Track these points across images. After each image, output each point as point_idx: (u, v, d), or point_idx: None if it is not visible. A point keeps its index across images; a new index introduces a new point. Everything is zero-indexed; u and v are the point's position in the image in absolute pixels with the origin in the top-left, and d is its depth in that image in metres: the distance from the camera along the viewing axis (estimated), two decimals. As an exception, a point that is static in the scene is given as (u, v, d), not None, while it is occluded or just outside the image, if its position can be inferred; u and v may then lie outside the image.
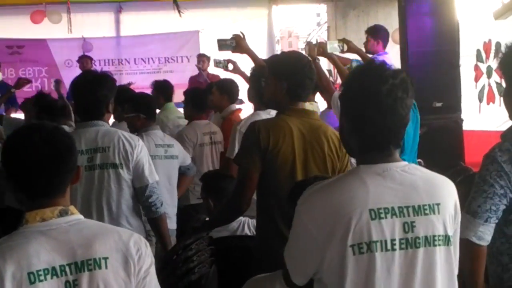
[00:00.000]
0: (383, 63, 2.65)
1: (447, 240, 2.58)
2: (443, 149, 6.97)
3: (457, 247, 2.69)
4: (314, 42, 7.84)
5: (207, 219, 4.83)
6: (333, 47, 7.55)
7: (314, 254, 2.53)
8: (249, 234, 5.16)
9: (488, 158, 3.35)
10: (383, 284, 2.48)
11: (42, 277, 2.37)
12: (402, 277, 2.50)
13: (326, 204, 2.53)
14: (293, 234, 2.65)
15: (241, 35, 5.85)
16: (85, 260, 2.43)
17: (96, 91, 4.58)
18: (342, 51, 7.76)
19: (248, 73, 7.30)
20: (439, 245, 2.55)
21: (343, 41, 7.77)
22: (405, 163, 2.62)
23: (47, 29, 14.46)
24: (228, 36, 6.03)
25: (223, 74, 10.65)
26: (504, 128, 3.53)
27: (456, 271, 2.64)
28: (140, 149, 4.66)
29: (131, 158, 4.59)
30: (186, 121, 7.79)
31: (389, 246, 2.49)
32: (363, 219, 2.47)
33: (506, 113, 3.53)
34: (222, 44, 6.01)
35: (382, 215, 2.49)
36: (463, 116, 7.72)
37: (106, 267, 2.45)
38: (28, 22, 14.30)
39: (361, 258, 2.47)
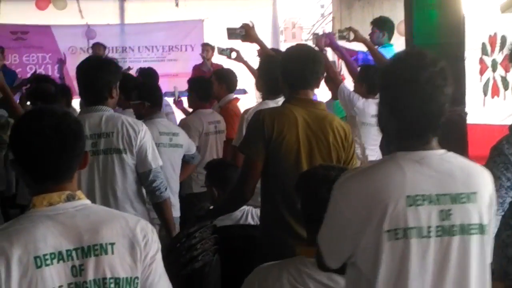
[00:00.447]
0: (423, 50, 2.66)
1: (481, 229, 2.59)
2: (447, 142, 6.93)
3: (491, 236, 2.70)
4: (320, 33, 7.87)
5: (211, 207, 4.83)
6: (342, 35, 7.57)
7: (349, 238, 2.56)
8: (252, 223, 5.16)
9: (496, 150, 3.36)
10: (417, 270, 2.50)
11: (48, 261, 2.37)
12: (436, 264, 2.52)
13: (363, 189, 2.55)
14: (328, 218, 2.67)
15: (251, 24, 5.85)
16: (91, 245, 2.43)
17: (99, 75, 4.61)
18: (348, 40, 7.76)
19: (251, 62, 7.33)
20: (474, 233, 2.57)
21: (350, 29, 7.77)
22: (443, 151, 2.64)
23: (52, 16, 14.45)
24: (235, 25, 6.03)
25: (226, 64, 10.66)
26: (509, 121, 3.53)
27: (489, 260, 2.66)
28: (143, 134, 4.68)
29: (134, 143, 4.62)
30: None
31: (424, 233, 2.51)
32: (399, 205, 2.49)
33: (510, 107, 3.53)
34: (232, 33, 6.03)
35: (419, 202, 2.51)
36: (467, 109, 7.68)
37: (112, 253, 2.46)
38: (33, 9, 14.29)
39: (396, 243, 2.50)
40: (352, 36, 7.72)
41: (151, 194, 4.79)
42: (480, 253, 2.59)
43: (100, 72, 4.63)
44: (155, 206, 4.90)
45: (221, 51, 7.69)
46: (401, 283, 2.51)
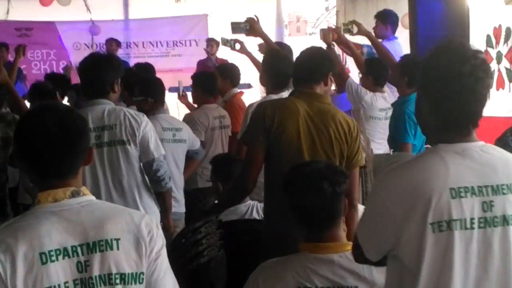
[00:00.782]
0: (464, 42, 2.66)
1: None
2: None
3: None
4: (326, 27, 7.86)
5: (216, 202, 4.84)
6: (346, 29, 7.57)
7: (391, 231, 2.56)
8: (257, 218, 5.17)
9: (500, 142, 3.37)
10: (461, 262, 2.51)
11: (53, 258, 2.37)
12: (480, 255, 2.53)
13: (405, 182, 2.56)
14: (369, 210, 2.69)
15: (255, 18, 5.85)
16: (96, 241, 2.44)
17: (100, 70, 4.72)
18: (352, 34, 7.75)
19: (255, 54, 7.32)
20: None
21: (353, 23, 7.77)
22: (483, 143, 2.65)
23: (56, 12, 14.46)
24: (239, 19, 6.03)
25: (231, 59, 10.65)
26: (513, 114, 3.53)
27: None
28: (145, 124, 4.77)
29: (137, 133, 4.70)
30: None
31: (468, 225, 2.51)
32: (443, 197, 2.50)
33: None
34: (236, 27, 6.03)
35: (462, 194, 2.52)
36: (472, 101, 7.68)
37: (117, 248, 2.46)
38: (38, 5, 14.30)
39: (440, 236, 2.50)
40: (355, 29, 7.72)
41: (156, 183, 4.87)
42: None
43: (103, 67, 4.74)
44: (158, 195, 4.98)
45: (225, 42, 7.67)
46: (445, 275, 2.51)
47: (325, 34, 7.34)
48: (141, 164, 4.80)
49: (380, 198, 2.63)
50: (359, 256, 2.76)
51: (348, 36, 8.16)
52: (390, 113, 6.98)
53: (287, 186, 3.39)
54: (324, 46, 6.65)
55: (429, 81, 2.66)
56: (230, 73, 7.68)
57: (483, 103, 2.61)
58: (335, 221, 3.27)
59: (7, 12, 13.91)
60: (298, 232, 3.32)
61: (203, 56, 12.74)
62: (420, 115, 2.75)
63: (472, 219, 2.52)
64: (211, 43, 12.55)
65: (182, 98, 8.62)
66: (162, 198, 5.02)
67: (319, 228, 3.24)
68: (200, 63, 12.51)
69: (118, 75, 4.80)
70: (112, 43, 12.59)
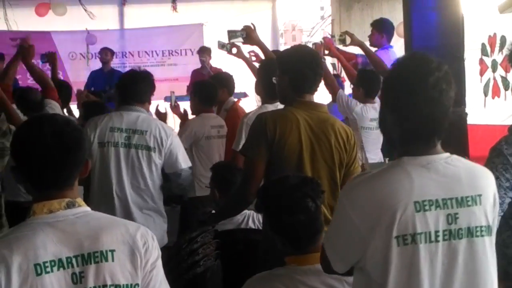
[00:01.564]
0: (427, 54, 2.66)
1: (489, 230, 2.61)
2: (447, 143, 6.90)
3: (494, 237, 2.71)
4: (319, 39, 7.91)
5: (213, 211, 4.83)
6: (341, 39, 7.60)
7: (358, 244, 2.56)
8: (253, 227, 5.16)
9: (495, 151, 3.36)
10: (427, 274, 2.51)
11: (48, 269, 2.37)
12: (444, 267, 2.53)
13: (370, 196, 2.56)
14: (335, 224, 2.69)
15: (252, 26, 5.84)
16: (91, 252, 2.44)
17: (146, 82, 5.31)
18: (345, 44, 7.78)
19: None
20: (482, 235, 2.59)
21: (346, 33, 7.79)
22: (448, 154, 2.65)
23: (52, 22, 14.45)
24: (235, 28, 6.03)
25: (225, 68, 10.65)
26: (509, 122, 3.53)
27: (495, 261, 2.68)
28: (173, 137, 5.24)
29: (164, 144, 5.13)
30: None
31: (433, 238, 2.52)
32: (408, 211, 2.50)
33: (511, 107, 3.53)
34: (233, 36, 6.03)
35: (427, 207, 2.52)
36: (468, 110, 7.69)
37: (112, 260, 2.46)
38: (33, 15, 14.29)
39: (405, 249, 2.50)
40: (348, 40, 7.75)
41: (180, 191, 5.35)
42: (489, 254, 2.62)
43: (146, 79, 5.32)
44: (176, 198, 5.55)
45: (222, 46, 7.65)
46: (412, 287, 2.51)
47: (317, 47, 7.36)
48: (166, 173, 5.19)
49: (346, 211, 2.62)
50: (327, 268, 2.76)
51: (342, 47, 8.19)
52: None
53: (268, 207, 3.37)
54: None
55: (393, 94, 2.65)
56: (226, 82, 7.68)
57: (447, 115, 2.61)
58: (320, 235, 3.25)
59: (6, 19, 13.86)
60: (281, 248, 3.30)
61: (199, 65, 12.73)
62: (385, 127, 2.74)
63: (436, 232, 2.52)
64: (204, 55, 12.52)
65: (174, 108, 8.59)
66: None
67: (304, 244, 3.23)
68: (195, 73, 12.50)
69: (152, 89, 5.35)
70: (107, 52, 12.55)
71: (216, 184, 5.56)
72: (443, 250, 2.53)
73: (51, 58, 8.74)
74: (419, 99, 2.54)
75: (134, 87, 5.27)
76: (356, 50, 8.51)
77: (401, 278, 2.51)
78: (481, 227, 2.58)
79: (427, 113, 2.56)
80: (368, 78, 7.65)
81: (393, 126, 2.66)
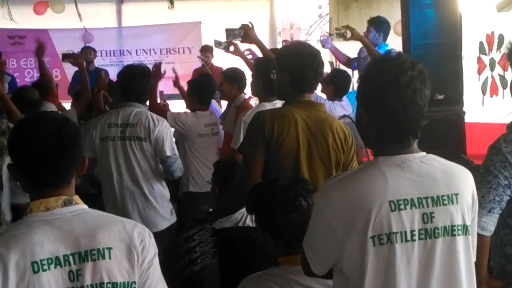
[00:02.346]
0: (401, 54, 2.65)
1: (465, 229, 2.59)
2: (445, 141, 6.93)
3: (474, 236, 2.70)
4: (317, 37, 7.99)
5: (211, 210, 4.82)
6: (339, 33, 7.64)
7: (334, 245, 2.55)
8: (251, 225, 5.15)
9: (493, 149, 3.35)
10: (403, 274, 2.50)
11: (45, 267, 2.37)
12: (421, 266, 2.52)
13: (345, 196, 2.54)
14: (312, 225, 2.66)
15: (250, 25, 5.82)
16: (88, 250, 2.43)
17: (144, 80, 5.83)
18: (346, 38, 7.81)
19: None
20: (458, 235, 2.57)
21: (347, 28, 7.82)
22: (424, 153, 2.63)
23: (50, 20, 14.44)
24: (232, 26, 6.02)
25: (226, 67, 10.62)
26: (507, 120, 3.52)
27: (473, 259, 2.65)
28: (161, 127, 5.73)
29: (152, 133, 5.65)
30: None
31: (408, 237, 2.50)
32: (383, 211, 2.48)
33: (509, 106, 3.54)
34: (231, 34, 6.03)
35: (402, 207, 2.51)
36: (466, 108, 7.70)
37: (109, 258, 2.45)
38: (31, 13, 14.28)
39: (381, 249, 2.49)
40: (349, 34, 7.77)
41: (169, 174, 5.78)
42: (465, 254, 2.59)
43: (144, 76, 5.84)
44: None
45: (218, 45, 7.63)
46: (389, 287, 2.50)
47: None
48: (157, 159, 5.71)
49: (321, 212, 2.60)
50: (307, 270, 2.75)
51: (339, 44, 8.21)
52: (347, 120, 7.12)
53: (260, 208, 3.35)
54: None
55: (367, 93, 2.64)
56: (238, 78, 7.64)
57: (422, 114, 2.59)
58: None
59: (4, 16, 13.82)
60: (274, 251, 3.29)
61: (197, 63, 12.71)
62: (361, 127, 2.72)
63: (412, 231, 2.51)
64: (206, 54, 12.50)
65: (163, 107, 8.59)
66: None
67: (297, 244, 3.22)
68: (196, 71, 12.50)
69: (149, 85, 5.97)
70: (91, 51, 12.39)
71: (216, 181, 5.56)
72: (420, 249, 2.52)
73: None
74: (393, 98, 2.53)
75: (132, 85, 5.78)
76: (353, 49, 8.53)
77: (377, 278, 2.50)
78: (457, 226, 2.57)
79: (401, 112, 2.54)
80: (339, 77, 7.91)
81: (368, 125, 2.66)
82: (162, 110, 7.19)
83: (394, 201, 2.50)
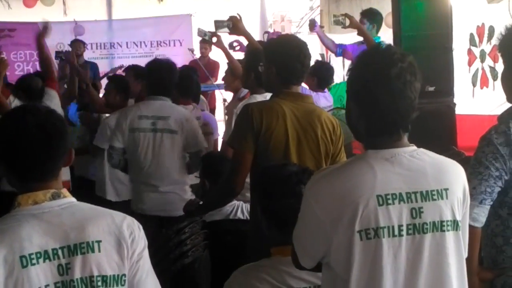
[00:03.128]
0: (390, 46, 2.63)
1: (455, 225, 2.56)
2: (436, 133, 6.94)
3: (466, 231, 2.68)
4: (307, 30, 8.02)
5: (201, 202, 4.82)
6: (337, 21, 7.65)
7: (322, 238, 2.52)
8: (242, 218, 5.15)
9: (484, 140, 3.35)
10: (389, 269, 2.47)
11: (34, 261, 2.35)
12: (409, 262, 2.49)
13: (333, 190, 2.52)
14: (301, 218, 2.64)
15: (238, 16, 5.80)
16: (78, 243, 2.41)
17: (172, 75, 6.00)
18: (344, 26, 7.81)
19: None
20: (448, 230, 2.54)
21: (346, 16, 7.81)
22: (414, 147, 2.60)
23: (40, 13, 14.38)
24: (223, 18, 6.00)
25: (223, 61, 10.58)
26: (498, 112, 3.52)
27: (465, 255, 2.64)
28: (194, 121, 6.02)
29: (184, 127, 5.82)
30: None
31: (396, 232, 2.48)
32: (370, 205, 2.46)
33: (499, 97, 3.53)
34: (219, 26, 6.01)
35: (390, 201, 2.48)
36: (456, 100, 7.71)
37: (99, 251, 2.44)
38: (22, 6, 14.24)
39: (368, 243, 2.46)
40: (347, 22, 7.77)
41: (193, 167, 5.91)
42: (455, 249, 2.56)
43: (170, 70, 6.01)
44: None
45: (202, 34, 7.58)
46: (375, 282, 2.48)
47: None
48: (188, 152, 5.86)
49: (310, 205, 2.58)
50: (297, 262, 2.74)
51: (335, 36, 8.21)
52: (342, 111, 7.24)
53: (263, 189, 3.35)
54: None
55: (356, 86, 2.61)
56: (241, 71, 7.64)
57: (412, 106, 2.55)
58: None
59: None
60: (268, 236, 3.29)
61: (187, 56, 12.70)
62: (351, 120, 2.69)
63: (400, 226, 2.48)
64: (205, 45, 12.49)
65: None
66: None
67: (291, 232, 3.21)
68: (191, 63, 12.50)
69: (176, 79, 6.07)
70: (80, 44, 12.35)
71: (206, 175, 5.55)
72: (408, 244, 2.49)
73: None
74: (382, 91, 2.50)
75: (159, 78, 5.95)
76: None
77: (364, 273, 2.47)
78: (447, 221, 2.54)
79: (391, 105, 2.51)
80: (322, 68, 8.04)
81: (358, 119, 2.63)
82: None
83: (382, 196, 2.47)
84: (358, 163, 2.57)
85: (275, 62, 4.25)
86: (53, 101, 7.00)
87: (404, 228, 2.49)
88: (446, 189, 2.56)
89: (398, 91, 2.50)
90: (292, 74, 4.25)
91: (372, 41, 7.46)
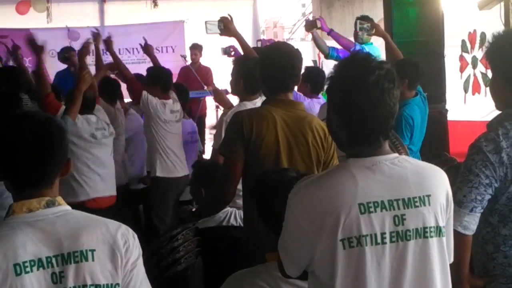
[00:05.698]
0: (368, 54, 2.64)
1: (438, 231, 2.57)
2: (428, 139, 6.96)
3: (450, 237, 2.70)
4: (301, 36, 8.03)
5: (193, 210, 4.83)
6: (362, 27, 7.66)
7: (306, 248, 2.53)
8: (235, 224, 5.15)
9: (474, 148, 3.36)
10: (373, 277, 2.48)
11: (28, 269, 2.35)
12: (393, 269, 2.50)
13: (315, 199, 2.52)
14: (285, 227, 2.64)
15: (229, 17, 5.79)
16: (71, 252, 2.42)
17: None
18: (370, 34, 7.82)
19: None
20: (431, 236, 2.54)
21: (371, 24, 7.80)
22: (395, 155, 2.61)
23: (32, 20, 14.39)
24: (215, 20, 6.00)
25: (214, 66, 10.62)
26: (489, 118, 3.54)
27: (449, 261, 2.65)
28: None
29: None
30: None
31: (379, 240, 2.48)
32: (352, 213, 2.46)
33: (491, 104, 3.54)
34: (210, 27, 6.00)
35: (372, 209, 2.48)
36: (448, 106, 7.74)
37: (93, 259, 2.44)
38: (14, 13, 14.23)
39: (351, 252, 2.47)
40: (373, 30, 7.78)
41: None
42: (439, 256, 2.57)
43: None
44: None
45: (225, 52, 7.76)
46: None
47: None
48: None
49: (293, 215, 2.59)
50: (282, 271, 2.74)
51: (327, 42, 8.22)
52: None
53: (262, 193, 3.36)
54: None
55: (335, 95, 2.61)
56: None
57: (391, 114, 2.56)
58: None
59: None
60: (265, 242, 3.29)
61: (180, 62, 12.72)
62: (331, 129, 2.70)
63: (383, 233, 2.49)
64: (195, 52, 12.51)
65: None
66: None
67: None
68: (182, 70, 12.53)
69: None
70: (72, 52, 12.32)
71: (200, 183, 5.54)
72: (391, 252, 2.50)
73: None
74: (360, 99, 2.50)
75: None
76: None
77: (347, 281, 2.48)
78: (430, 227, 2.54)
79: (369, 112, 2.51)
80: (315, 74, 7.97)
81: (338, 127, 2.63)
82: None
83: (364, 204, 2.48)
84: (339, 172, 2.58)
85: (263, 69, 4.28)
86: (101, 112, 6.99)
87: (387, 235, 2.50)
88: (428, 196, 2.56)
89: (376, 99, 2.50)
90: (280, 81, 4.25)
91: (397, 51, 7.38)
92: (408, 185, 2.55)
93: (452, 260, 2.70)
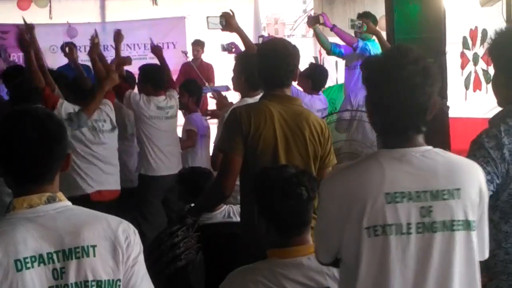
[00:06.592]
0: (410, 48, 2.64)
1: (467, 225, 2.59)
2: (429, 136, 6.93)
3: (485, 234, 2.73)
4: (303, 31, 8.10)
5: (192, 205, 4.82)
6: (353, 25, 7.74)
7: (335, 234, 2.60)
8: (234, 220, 5.15)
9: (476, 144, 3.36)
10: (398, 266, 2.52)
11: (29, 265, 2.35)
12: (418, 260, 2.54)
13: (343, 186, 2.59)
14: (318, 214, 2.74)
15: (231, 13, 5.77)
16: (73, 247, 2.42)
17: None
18: (361, 31, 7.91)
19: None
20: (458, 230, 2.58)
21: (363, 21, 7.91)
22: (426, 148, 2.65)
23: (34, 16, 14.35)
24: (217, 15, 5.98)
25: (216, 63, 10.59)
26: (491, 115, 3.54)
27: (477, 257, 2.66)
28: None
29: None
30: None
31: (404, 230, 2.53)
32: (378, 202, 2.52)
33: (492, 100, 3.55)
34: (212, 22, 5.99)
35: (398, 199, 2.53)
36: (449, 103, 7.71)
37: (94, 255, 2.44)
38: (15, 9, 14.22)
39: (376, 240, 2.52)
40: (365, 27, 7.86)
41: None
42: (465, 250, 2.60)
43: None
44: None
45: (225, 48, 7.77)
46: (382, 278, 2.53)
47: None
48: None
49: (324, 202, 2.67)
50: (318, 258, 2.83)
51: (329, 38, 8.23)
52: (325, 113, 7.54)
53: (262, 190, 3.36)
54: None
55: (370, 87, 2.67)
56: None
57: (423, 108, 2.60)
58: (306, 227, 3.26)
59: None
60: (266, 238, 3.30)
61: (181, 58, 12.71)
62: (371, 120, 2.77)
63: (408, 224, 2.53)
64: (197, 48, 12.49)
65: None
66: None
67: (290, 234, 3.23)
68: (184, 66, 12.51)
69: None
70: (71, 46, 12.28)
71: (190, 192, 5.55)
72: (417, 243, 2.54)
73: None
74: (391, 93, 2.56)
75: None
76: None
77: (371, 269, 2.53)
78: (458, 221, 2.58)
79: (400, 106, 2.56)
80: (316, 71, 8.10)
81: (373, 119, 2.72)
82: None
83: (390, 193, 2.53)
84: (369, 162, 2.65)
85: (260, 65, 4.32)
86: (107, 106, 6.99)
87: (413, 226, 2.54)
88: (457, 189, 2.59)
89: (407, 93, 2.54)
90: (276, 77, 4.28)
91: (388, 47, 7.47)
92: (436, 178, 2.58)
93: (487, 256, 2.72)
